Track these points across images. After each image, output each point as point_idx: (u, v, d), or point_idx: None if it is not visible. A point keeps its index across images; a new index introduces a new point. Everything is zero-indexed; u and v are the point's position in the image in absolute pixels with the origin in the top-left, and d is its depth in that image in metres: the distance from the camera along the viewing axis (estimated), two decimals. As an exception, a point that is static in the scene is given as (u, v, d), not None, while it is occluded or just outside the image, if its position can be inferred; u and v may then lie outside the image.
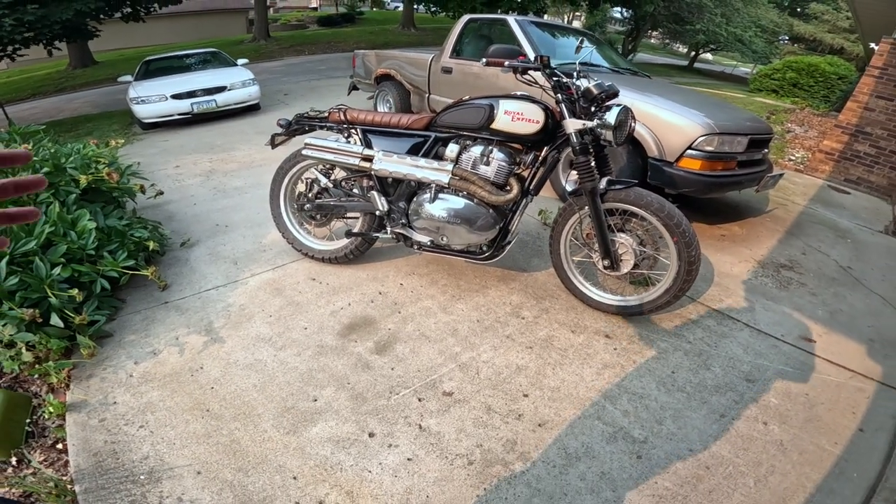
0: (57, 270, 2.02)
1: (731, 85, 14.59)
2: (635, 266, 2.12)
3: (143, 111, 6.22)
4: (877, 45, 5.32)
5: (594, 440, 1.69)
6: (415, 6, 18.15)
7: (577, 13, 25.54)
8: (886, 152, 5.34)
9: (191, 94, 6.35)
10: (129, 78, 7.27)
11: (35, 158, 2.39)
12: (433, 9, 13.62)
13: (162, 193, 3.39)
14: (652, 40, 26.43)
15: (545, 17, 18.75)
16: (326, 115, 2.39)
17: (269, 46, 17.24)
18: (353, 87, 6.44)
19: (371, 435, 1.67)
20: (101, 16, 8.78)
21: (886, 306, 2.73)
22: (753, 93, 10.79)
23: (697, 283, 2.70)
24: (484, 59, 2.08)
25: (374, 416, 1.74)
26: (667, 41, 24.00)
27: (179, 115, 6.32)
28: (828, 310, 2.61)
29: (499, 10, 12.97)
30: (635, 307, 2.20)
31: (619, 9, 19.13)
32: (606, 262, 2.15)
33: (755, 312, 2.49)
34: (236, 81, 6.72)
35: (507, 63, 2.03)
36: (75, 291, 1.97)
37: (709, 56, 25.64)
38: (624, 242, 2.12)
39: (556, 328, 2.25)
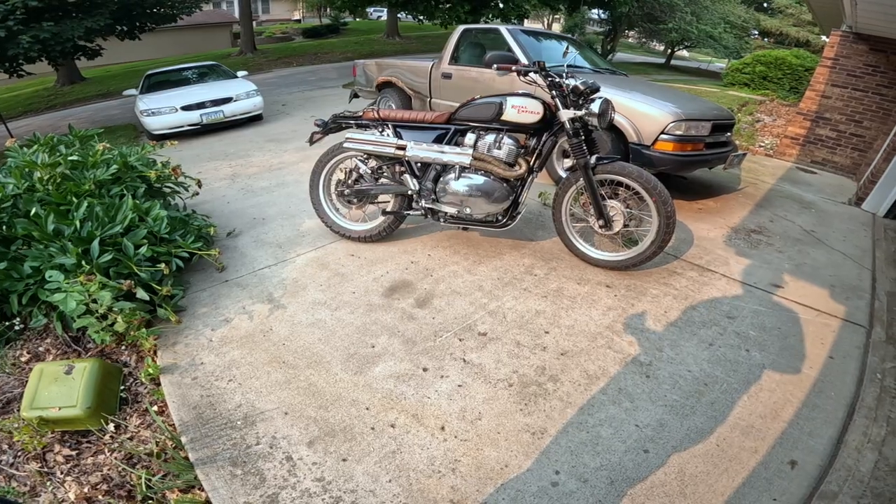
0: (142, 250, 2.36)
1: (706, 80, 15.28)
2: (625, 225, 2.58)
3: (154, 123, 6.52)
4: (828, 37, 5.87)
5: (608, 364, 2.09)
6: (400, 15, 18.63)
7: (557, 16, 26.30)
8: (846, 135, 5.89)
9: (200, 106, 6.66)
10: (134, 92, 7.54)
11: (107, 156, 2.75)
12: (420, 17, 14.09)
13: (198, 193, 3.72)
14: (630, 40, 27.31)
15: (525, 21, 19.34)
16: (360, 114, 2.81)
17: (256, 59, 17.53)
18: (355, 95, 6.82)
19: (425, 370, 2.05)
20: (104, 35, 9.04)
21: (846, 260, 3.20)
22: (727, 87, 11.38)
23: (679, 245, 3.15)
24: (495, 66, 2.53)
25: (425, 355, 2.13)
26: (643, 40, 24.86)
27: (189, 125, 6.63)
28: (793, 263, 3.07)
29: (482, 18, 13.49)
30: (628, 260, 2.66)
31: (596, 11, 19.84)
32: (601, 223, 2.63)
33: (730, 266, 2.94)
34: (241, 92, 7.05)
35: (514, 68, 2.48)
36: (162, 265, 2.32)
37: (685, 53, 26.58)
38: (614, 206, 2.60)
39: (565, 281, 2.68)
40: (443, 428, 1.77)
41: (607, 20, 20.24)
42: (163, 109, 6.56)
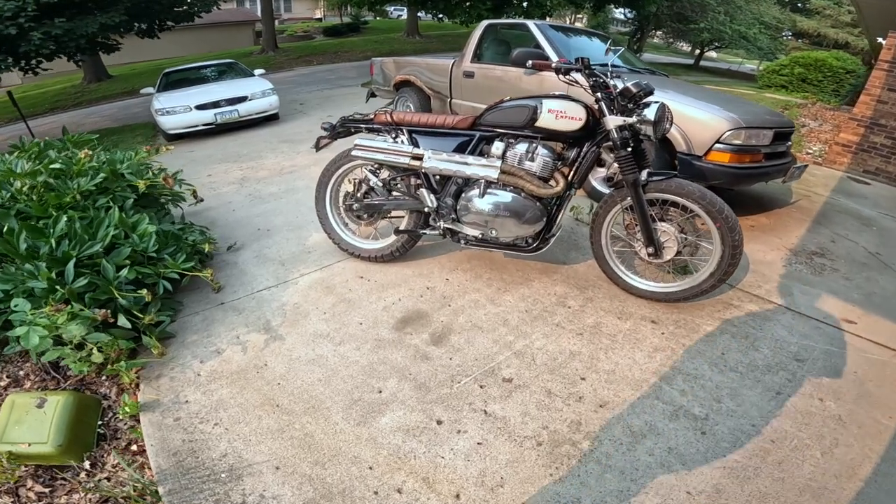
0: (123, 272, 2.09)
1: (739, 82, 14.64)
2: (678, 253, 2.20)
3: (169, 122, 6.38)
4: (884, 39, 5.38)
5: (656, 418, 1.75)
6: (419, 13, 18.38)
7: (580, 15, 25.70)
8: (904, 143, 5.38)
9: (214, 105, 6.50)
10: (151, 90, 7.44)
11: (94, 164, 2.50)
12: (440, 16, 13.80)
13: (202, 200, 3.48)
14: (656, 39, 26.53)
15: (546, 19, 18.92)
16: (371, 117, 2.49)
17: (277, 58, 17.50)
18: (372, 95, 6.56)
19: (439, 422, 1.74)
20: (121, 31, 8.98)
21: (917, 289, 2.78)
22: (763, 89, 10.83)
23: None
24: (529, 63, 2.18)
25: (440, 405, 1.81)
26: (671, 40, 24.10)
27: (203, 125, 6.47)
28: (863, 293, 2.67)
29: (504, 16, 13.14)
30: (679, 293, 2.28)
31: (622, 10, 19.25)
32: (650, 250, 2.24)
33: (794, 297, 2.55)
34: (256, 91, 6.86)
35: (553, 65, 2.13)
36: (144, 292, 2.05)
37: (713, 54, 25.70)
38: (666, 230, 2.22)
39: (603, 315, 2.32)
40: (458, 496, 1.47)
41: (633, 20, 19.63)
42: (177, 108, 6.41)
